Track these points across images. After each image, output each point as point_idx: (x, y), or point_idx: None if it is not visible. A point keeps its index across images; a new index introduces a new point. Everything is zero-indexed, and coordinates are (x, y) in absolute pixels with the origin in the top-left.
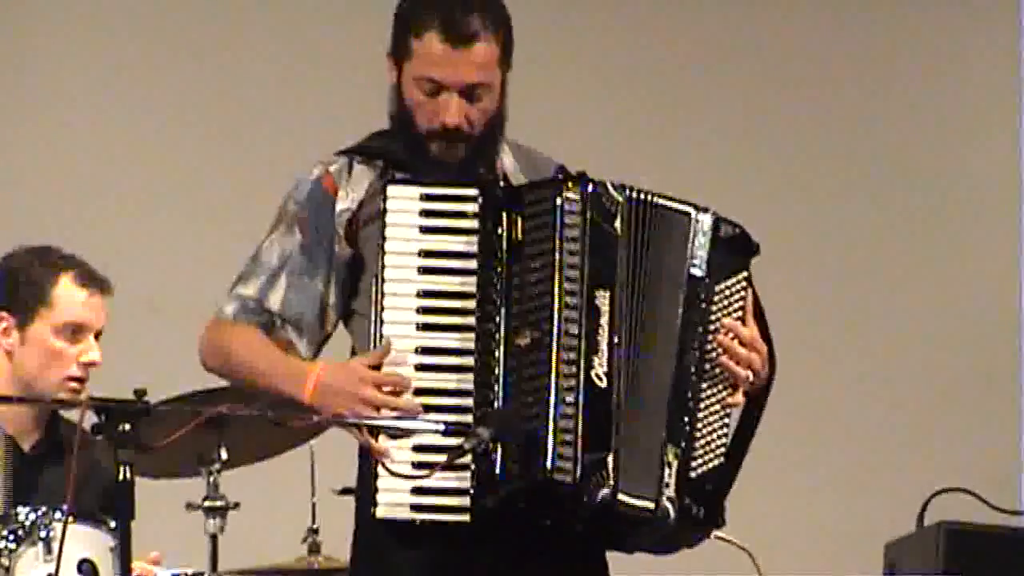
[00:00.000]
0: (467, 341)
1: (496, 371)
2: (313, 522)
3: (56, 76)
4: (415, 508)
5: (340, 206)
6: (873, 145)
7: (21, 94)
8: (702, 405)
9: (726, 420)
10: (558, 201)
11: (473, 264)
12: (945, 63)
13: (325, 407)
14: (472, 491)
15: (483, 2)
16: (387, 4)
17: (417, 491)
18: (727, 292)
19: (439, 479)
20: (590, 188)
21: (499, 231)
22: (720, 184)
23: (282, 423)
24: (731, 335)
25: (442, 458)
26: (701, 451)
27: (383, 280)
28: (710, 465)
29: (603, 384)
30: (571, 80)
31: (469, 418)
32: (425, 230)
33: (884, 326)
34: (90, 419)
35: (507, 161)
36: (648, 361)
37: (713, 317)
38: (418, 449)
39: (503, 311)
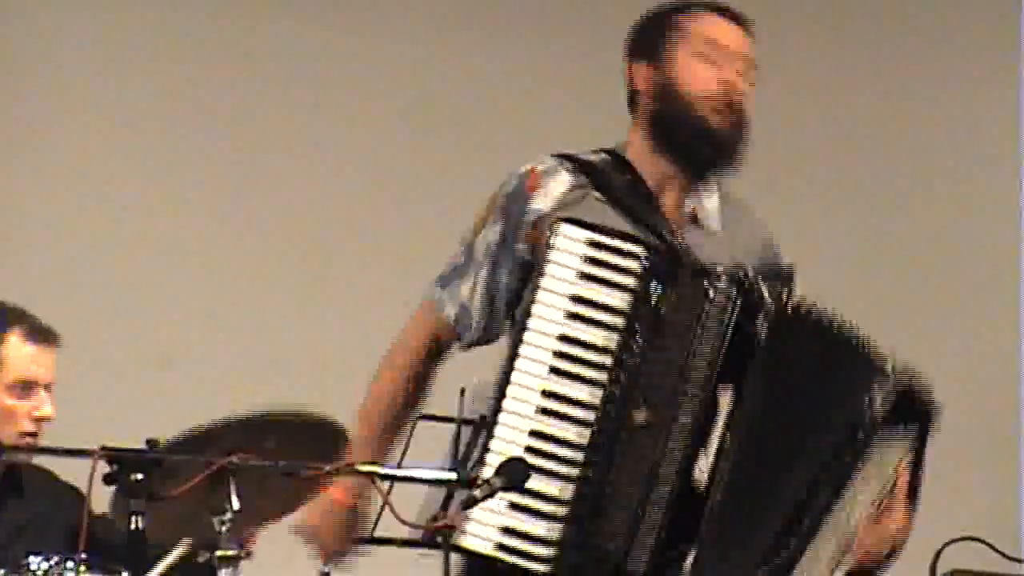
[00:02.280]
0: (594, 397)
1: (606, 436)
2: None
3: (66, 134)
4: (499, 546)
5: (533, 205)
6: (877, 206)
7: (28, 145)
8: (807, 557)
9: None
10: (708, 291)
11: (620, 322)
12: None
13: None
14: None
15: None
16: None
17: (506, 530)
18: (882, 461)
19: (530, 526)
20: (744, 286)
21: (650, 298)
22: None
23: (294, 474)
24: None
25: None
26: None
27: (528, 314)
28: None
29: (701, 484)
30: None
31: (575, 472)
32: (583, 276)
33: None
34: (102, 468)
35: (709, 203)
36: (761, 479)
37: (857, 477)
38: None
39: (628, 379)
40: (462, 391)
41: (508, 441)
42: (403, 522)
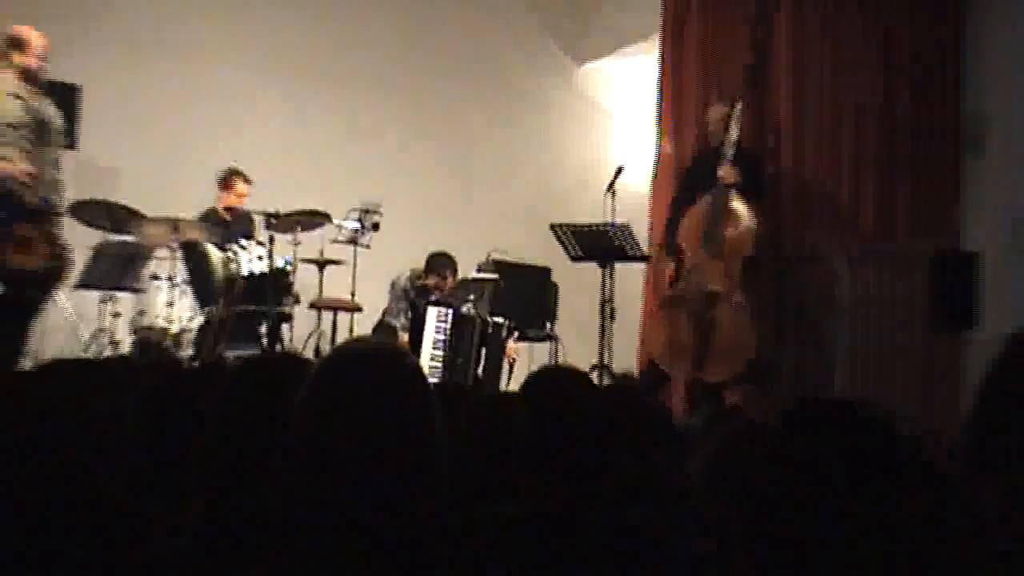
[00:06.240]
0: (444, 346)
1: (452, 354)
2: None
3: None
4: None
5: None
6: None
7: None
8: None
9: None
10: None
11: (446, 336)
12: None
13: None
14: None
15: None
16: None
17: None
18: None
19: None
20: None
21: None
22: None
23: None
24: None
25: None
26: None
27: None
28: None
29: None
30: None
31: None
32: (436, 326)
33: None
34: None
35: None
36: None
37: None
38: None
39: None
40: None
41: (428, 353)
42: None
